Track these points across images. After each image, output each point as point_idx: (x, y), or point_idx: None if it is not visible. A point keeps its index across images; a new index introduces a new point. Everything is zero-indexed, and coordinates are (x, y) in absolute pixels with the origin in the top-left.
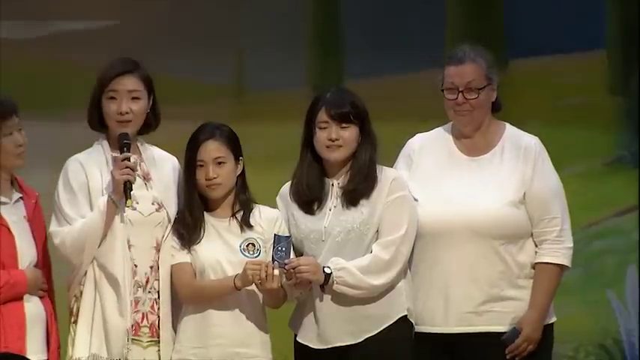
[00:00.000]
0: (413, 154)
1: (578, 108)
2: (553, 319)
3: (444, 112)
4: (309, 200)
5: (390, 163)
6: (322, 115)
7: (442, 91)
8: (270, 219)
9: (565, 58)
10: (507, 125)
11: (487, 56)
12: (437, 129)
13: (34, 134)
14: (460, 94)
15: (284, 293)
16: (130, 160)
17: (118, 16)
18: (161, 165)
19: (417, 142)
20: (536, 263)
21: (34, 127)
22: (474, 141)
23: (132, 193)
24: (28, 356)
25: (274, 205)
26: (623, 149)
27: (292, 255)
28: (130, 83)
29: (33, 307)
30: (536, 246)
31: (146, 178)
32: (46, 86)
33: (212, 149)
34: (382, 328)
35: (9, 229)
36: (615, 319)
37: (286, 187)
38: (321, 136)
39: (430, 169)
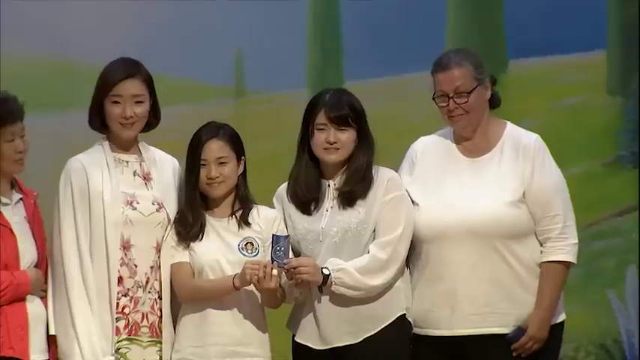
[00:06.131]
0: (415, 158)
1: (577, 108)
2: (562, 318)
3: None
4: (307, 201)
5: (389, 164)
6: (321, 117)
7: (434, 99)
8: (269, 219)
9: (565, 58)
10: (508, 124)
11: (473, 56)
12: (439, 131)
13: (34, 133)
14: (450, 100)
15: (282, 293)
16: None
17: (118, 16)
18: (161, 166)
19: (420, 145)
20: (541, 262)
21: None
22: (474, 142)
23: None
24: (31, 356)
25: (273, 206)
26: (623, 149)
27: (291, 255)
28: (134, 88)
29: (35, 308)
30: (541, 245)
31: (147, 178)
32: (46, 86)
33: (215, 149)
34: (381, 328)
35: (11, 231)
36: (615, 319)
37: (282, 188)
38: (319, 138)
39: (431, 171)
